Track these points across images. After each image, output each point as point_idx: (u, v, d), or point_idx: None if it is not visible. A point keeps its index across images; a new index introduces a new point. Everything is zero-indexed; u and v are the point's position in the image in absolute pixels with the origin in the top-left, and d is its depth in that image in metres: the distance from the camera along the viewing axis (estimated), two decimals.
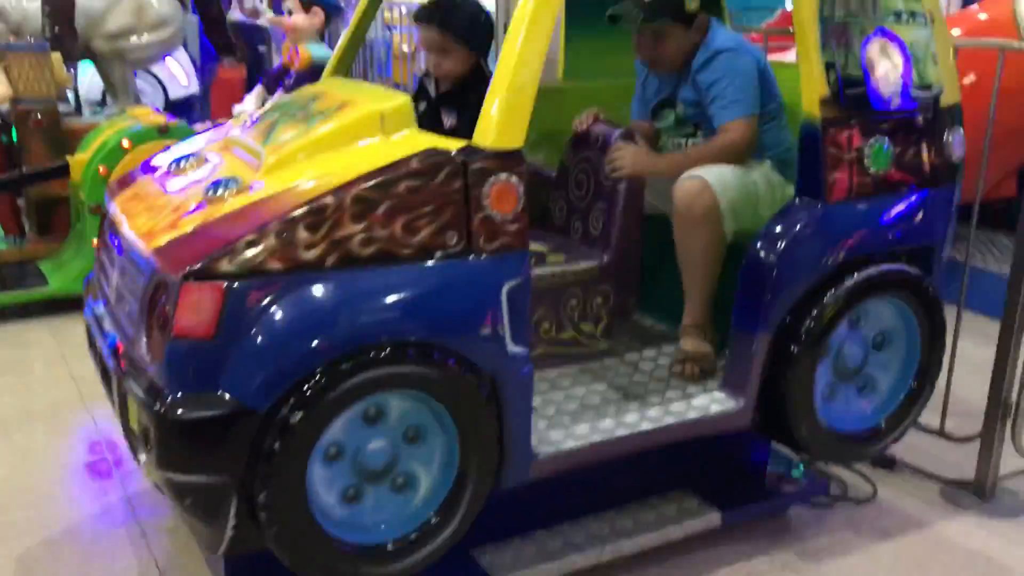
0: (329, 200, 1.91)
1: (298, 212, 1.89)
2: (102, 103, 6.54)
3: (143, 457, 2.00)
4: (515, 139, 2.04)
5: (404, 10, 7.57)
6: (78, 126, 4.81)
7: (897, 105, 2.49)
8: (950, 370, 3.10)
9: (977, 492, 3.03)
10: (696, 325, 2.69)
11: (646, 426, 2.39)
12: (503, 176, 2.02)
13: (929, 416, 3.09)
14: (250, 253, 1.85)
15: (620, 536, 2.48)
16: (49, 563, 2.58)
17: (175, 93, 6.79)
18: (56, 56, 4.73)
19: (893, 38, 2.49)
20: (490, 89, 2.05)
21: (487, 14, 2.88)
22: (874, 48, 2.46)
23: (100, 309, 2.41)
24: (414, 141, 2.09)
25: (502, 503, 2.26)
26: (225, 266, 1.85)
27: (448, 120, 2.81)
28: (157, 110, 4.78)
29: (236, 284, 1.85)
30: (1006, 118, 3.09)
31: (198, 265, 1.85)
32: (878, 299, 2.56)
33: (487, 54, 2.86)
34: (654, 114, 2.96)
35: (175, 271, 1.87)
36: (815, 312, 2.43)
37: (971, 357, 3.21)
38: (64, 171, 4.38)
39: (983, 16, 4.63)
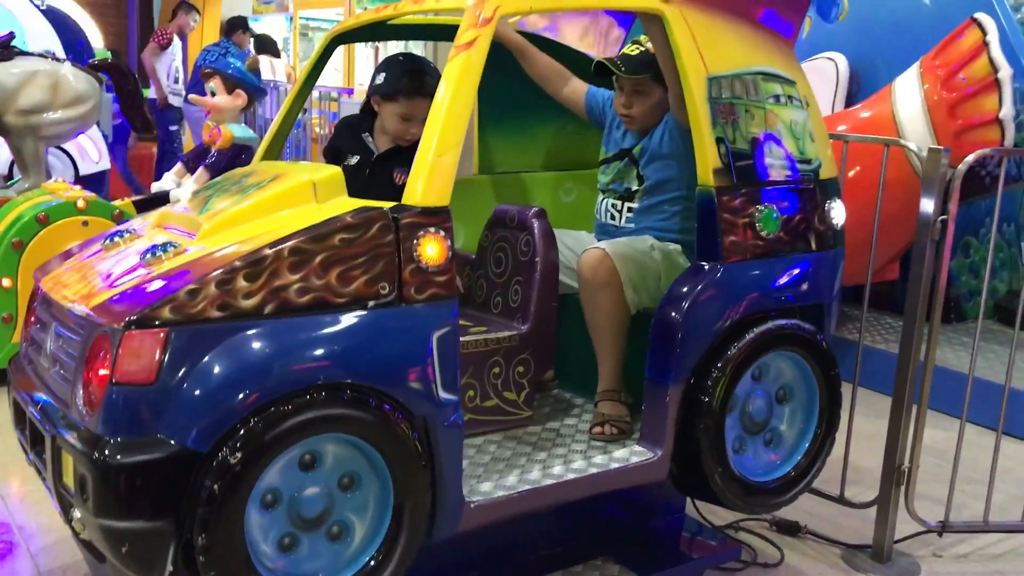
0: (268, 252, 2.00)
1: (237, 263, 1.97)
2: (8, 177, 6.43)
3: (77, 513, 1.99)
4: (442, 197, 2.17)
5: (317, 94, 7.66)
6: None
7: (782, 176, 2.72)
8: (847, 441, 3.30)
9: (875, 556, 3.18)
10: (611, 390, 2.82)
11: (571, 476, 2.47)
12: (432, 229, 2.15)
13: (829, 484, 3.27)
14: (190, 301, 1.92)
15: None
16: None
17: (86, 169, 6.73)
18: None
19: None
20: (417, 154, 2.19)
21: None
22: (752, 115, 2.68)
23: (29, 381, 2.39)
24: (346, 204, 2.21)
25: (433, 570, 2.31)
26: (166, 314, 1.90)
27: (402, 177, 2.87)
28: (74, 185, 4.75)
29: (177, 331, 1.90)
30: (887, 208, 3.34)
31: (139, 314, 1.90)
32: (777, 353, 2.71)
33: None
34: (600, 166, 3.12)
35: (116, 321, 1.92)
36: (720, 364, 2.58)
37: (863, 429, 3.43)
38: None
39: (865, 114, 4.96)
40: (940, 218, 3.04)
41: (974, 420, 3.59)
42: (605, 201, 3.10)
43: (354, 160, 3.02)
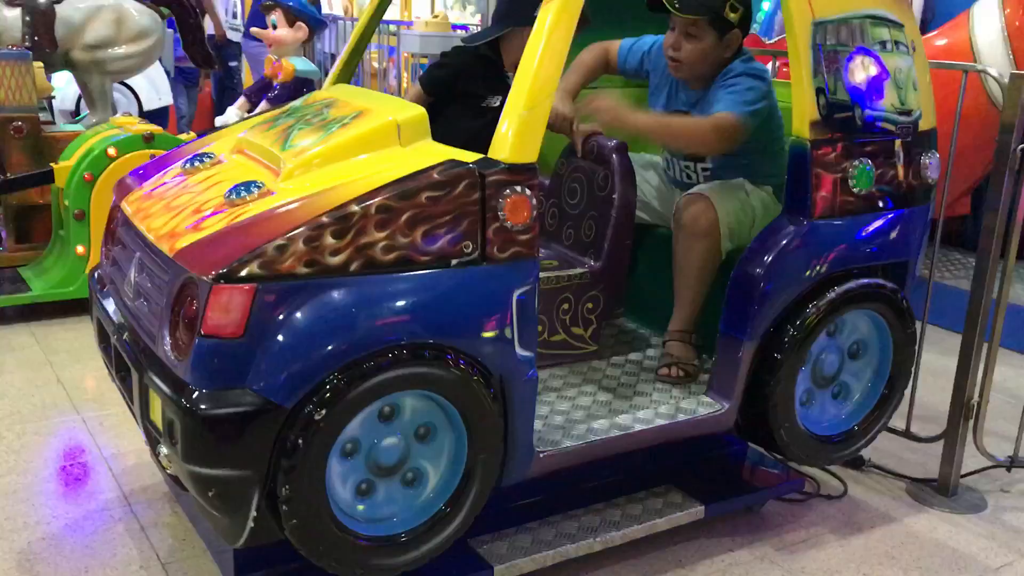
0: (355, 208, 1.98)
1: (325, 219, 1.96)
2: (76, 113, 6.54)
3: (164, 450, 2.06)
4: (529, 154, 2.12)
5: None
6: (58, 134, 4.83)
7: (880, 129, 2.61)
8: (914, 377, 3.27)
9: (941, 489, 3.17)
10: (683, 331, 2.82)
11: (638, 427, 2.50)
12: (517, 188, 2.10)
13: (895, 419, 3.25)
14: (279, 257, 1.92)
15: (610, 527, 2.57)
16: (51, 557, 2.61)
17: (149, 104, 6.82)
18: (38, 65, 4.77)
19: (872, 55, 2.60)
20: (506, 107, 2.13)
21: None
22: (856, 63, 2.57)
23: (112, 304, 2.45)
24: (431, 152, 2.18)
25: (499, 496, 2.35)
26: (255, 269, 1.91)
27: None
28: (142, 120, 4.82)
29: (265, 286, 1.91)
30: (960, 141, 3.26)
31: (228, 267, 1.91)
32: (855, 311, 2.67)
33: None
34: None
35: (205, 272, 1.93)
36: (798, 322, 2.54)
37: (930, 365, 3.39)
38: (48, 177, 4.41)
39: (940, 42, 4.80)
40: (1020, 146, 2.96)
41: None
42: (675, 161, 3.01)
43: (496, 102, 2.93)
